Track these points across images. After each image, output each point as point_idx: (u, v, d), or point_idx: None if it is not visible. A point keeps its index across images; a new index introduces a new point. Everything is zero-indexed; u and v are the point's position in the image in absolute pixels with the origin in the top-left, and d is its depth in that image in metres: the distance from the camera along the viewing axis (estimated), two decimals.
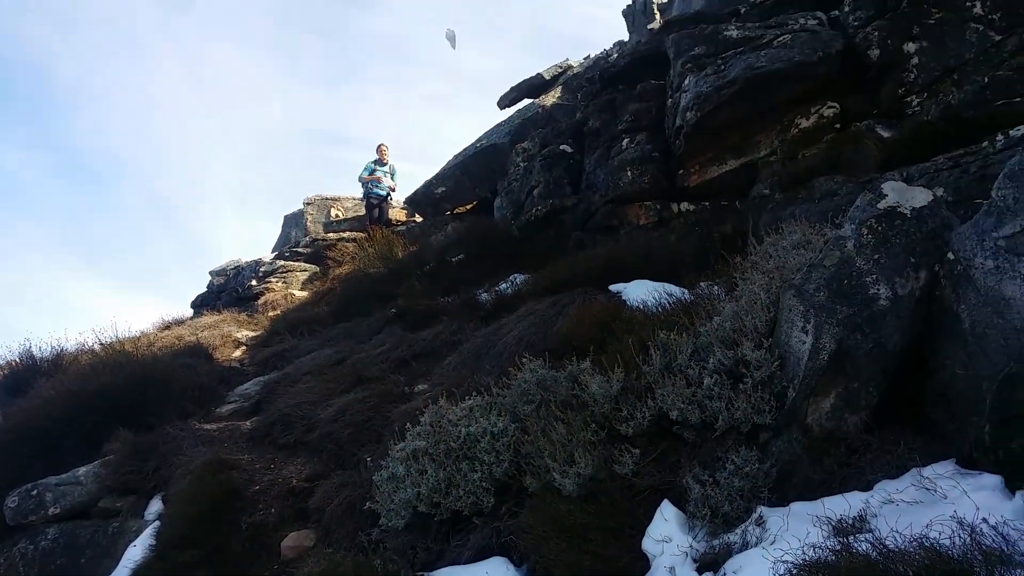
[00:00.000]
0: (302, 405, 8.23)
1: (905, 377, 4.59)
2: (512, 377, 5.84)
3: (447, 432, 5.55)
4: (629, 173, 10.48)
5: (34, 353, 12.46)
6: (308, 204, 23.40)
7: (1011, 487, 3.58)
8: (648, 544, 4.27)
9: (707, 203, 10.01)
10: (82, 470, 7.75)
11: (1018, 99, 7.06)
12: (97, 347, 12.64)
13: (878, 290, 4.44)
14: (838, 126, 8.82)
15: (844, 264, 4.58)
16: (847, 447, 4.44)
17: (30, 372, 11.71)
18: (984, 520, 3.04)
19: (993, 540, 2.89)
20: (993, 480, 3.65)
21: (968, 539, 2.80)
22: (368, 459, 6.46)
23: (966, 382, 4.23)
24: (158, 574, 5.95)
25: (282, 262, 18.88)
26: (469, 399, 5.81)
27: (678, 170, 10.18)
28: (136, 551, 6.37)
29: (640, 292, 7.35)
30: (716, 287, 6.28)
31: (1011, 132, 6.16)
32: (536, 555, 4.52)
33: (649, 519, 4.42)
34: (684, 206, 10.21)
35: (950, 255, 4.40)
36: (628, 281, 8.12)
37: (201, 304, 19.68)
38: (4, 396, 11.27)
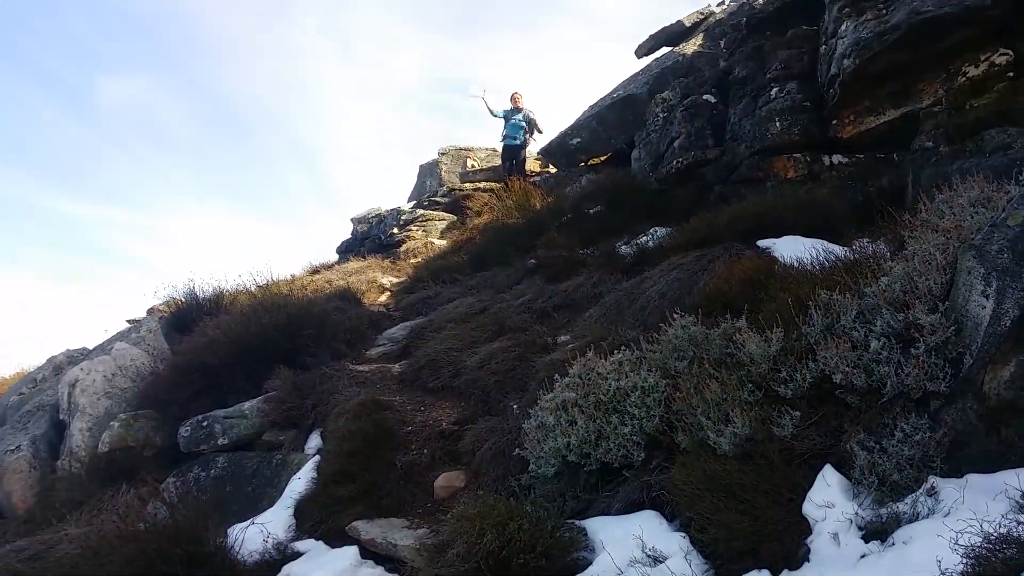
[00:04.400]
0: (448, 351, 8.46)
1: None
2: (660, 332, 5.78)
3: (596, 385, 5.57)
4: (778, 123, 10.08)
5: (197, 293, 13.25)
6: (443, 154, 23.74)
7: None
8: (809, 508, 4.18)
9: (861, 156, 9.53)
10: (247, 404, 8.26)
11: None
12: (254, 288, 13.32)
13: None
14: (1011, 75, 8.15)
15: None
16: None
17: (194, 311, 12.44)
18: None
19: None
20: None
21: None
22: (515, 406, 6.58)
23: None
24: (319, 506, 6.30)
25: (421, 211, 19.29)
26: (618, 353, 5.80)
27: (831, 120, 9.71)
28: (299, 483, 6.76)
29: (792, 248, 7.10)
30: (880, 245, 5.98)
31: None
32: (690, 512, 4.51)
33: (809, 484, 4.32)
34: (836, 159, 9.75)
35: None
36: (778, 237, 7.83)
37: (346, 250, 20.43)
38: (172, 333, 12.08)
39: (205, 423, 8.11)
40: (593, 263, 10.04)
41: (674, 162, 11.72)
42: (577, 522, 5.04)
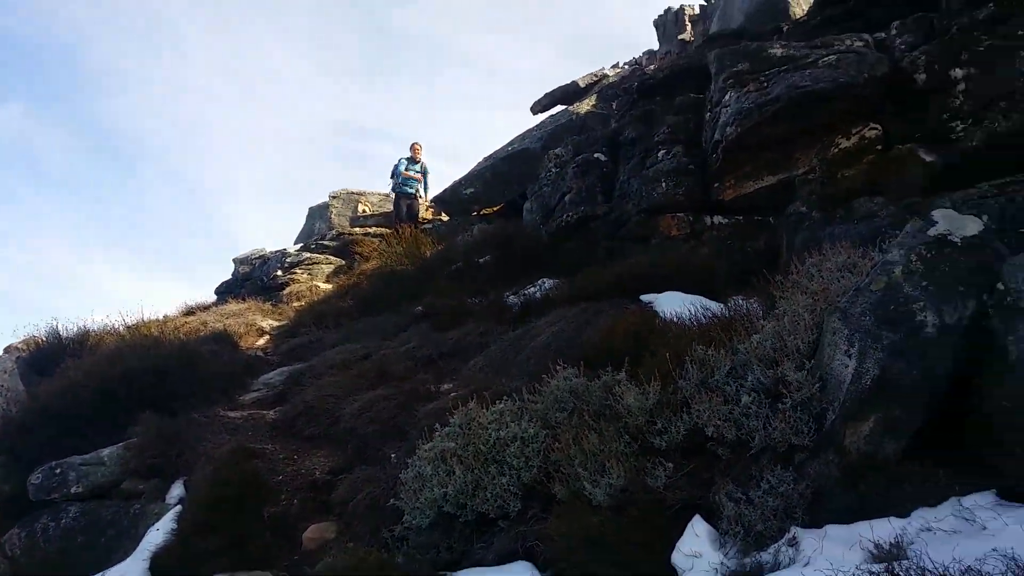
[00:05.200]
0: (327, 398, 8.24)
1: (948, 406, 4.54)
2: (543, 383, 5.81)
3: (477, 435, 5.53)
4: (664, 184, 10.43)
5: (60, 332, 12.52)
6: (334, 197, 23.49)
7: None
8: (678, 559, 4.23)
9: (741, 218, 9.93)
10: (106, 451, 7.79)
11: None
12: (122, 329, 12.70)
13: (925, 317, 4.38)
14: (880, 148, 8.72)
15: (891, 290, 4.52)
16: (885, 473, 4.38)
17: (56, 351, 11.76)
18: None
19: None
20: None
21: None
22: (393, 456, 6.46)
23: (1012, 414, 4.17)
24: (178, 559, 5.95)
25: (308, 254, 18.92)
26: (500, 403, 5.79)
27: (713, 183, 10.12)
28: (157, 535, 6.38)
29: (673, 304, 7.30)
30: (754, 304, 6.21)
31: None
32: (564, 563, 4.49)
33: (679, 534, 4.38)
34: (717, 219, 10.13)
35: (1000, 285, 4.35)
36: (660, 292, 8.06)
37: (226, 291, 19.76)
38: (30, 374, 11.35)
39: (58, 470, 7.59)
40: (481, 312, 10.05)
41: (564, 216, 11.94)
42: (449, 574, 4.94)
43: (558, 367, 5.74)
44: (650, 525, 4.50)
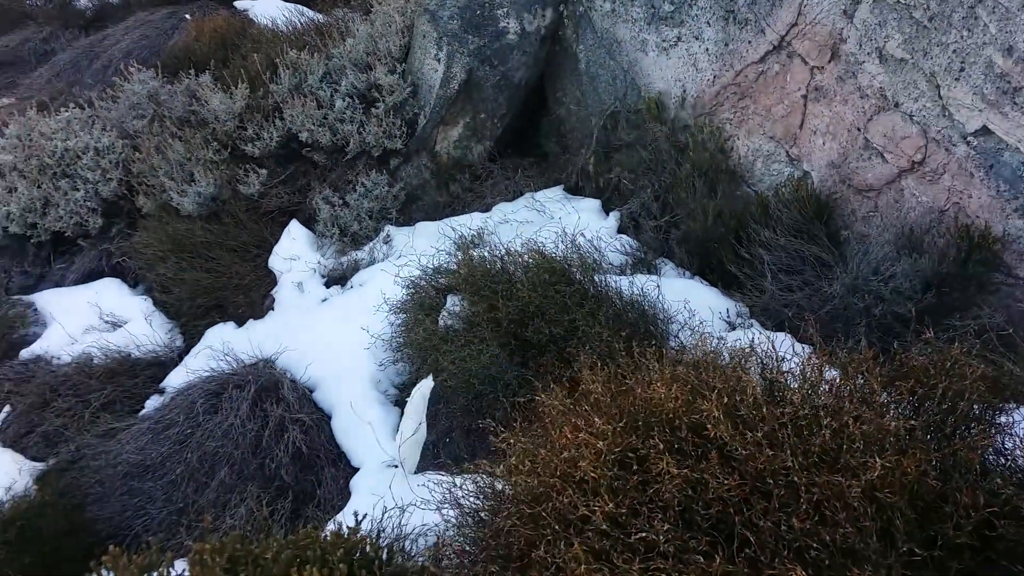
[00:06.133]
0: None
1: (527, 112, 4.92)
2: (118, 91, 5.20)
3: (40, 146, 4.86)
4: None
5: None
6: None
7: (606, 209, 4.13)
8: (276, 262, 4.27)
9: None
10: None
11: None
12: None
13: (508, 24, 4.56)
14: None
15: None
16: (471, 174, 4.73)
17: None
18: (582, 233, 3.45)
19: (588, 249, 3.31)
20: (593, 203, 4.16)
21: (569, 245, 3.15)
22: None
23: (578, 118, 4.65)
24: None
25: None
26: (67, 111, 5.10)
27: None
28: None
29: (269, 10, 6.80)
30: (351, 12, 6.00)
31: None
32: (153, 275, 4.30)
33: (277, 238, 4.39)
34: None
35: None
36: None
37: None
38: None
39: None
40: (46, 16, 8.54)
41: None
42: (25, 297, 4.50)
43: (133, 70, 5.14)
44: (246, 232, 4.44)
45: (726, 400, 1.33)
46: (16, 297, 4.53)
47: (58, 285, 4.65)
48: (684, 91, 4.00)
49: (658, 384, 1.45)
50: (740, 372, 1.48)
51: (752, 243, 3.31)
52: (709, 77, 3.87)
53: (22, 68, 7.51)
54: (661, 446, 1.30)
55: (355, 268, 4.24)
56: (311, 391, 3.33)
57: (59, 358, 3.86)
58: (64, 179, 4.70)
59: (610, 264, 3.48)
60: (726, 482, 1.22)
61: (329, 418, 3.18)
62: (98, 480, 3.08)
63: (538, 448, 1.46)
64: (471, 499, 1.61)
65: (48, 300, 4.44)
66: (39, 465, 3.31)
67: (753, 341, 1.65)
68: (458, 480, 1.72)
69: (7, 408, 3.66)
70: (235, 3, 7.43)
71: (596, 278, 2.95)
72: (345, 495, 2.77)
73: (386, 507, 1.89)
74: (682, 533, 1.21)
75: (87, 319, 4.09)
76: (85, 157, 4.69)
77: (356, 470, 2.88)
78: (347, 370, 3.31)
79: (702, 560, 1.17)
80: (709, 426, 1.31)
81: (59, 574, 2.78)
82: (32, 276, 4.80)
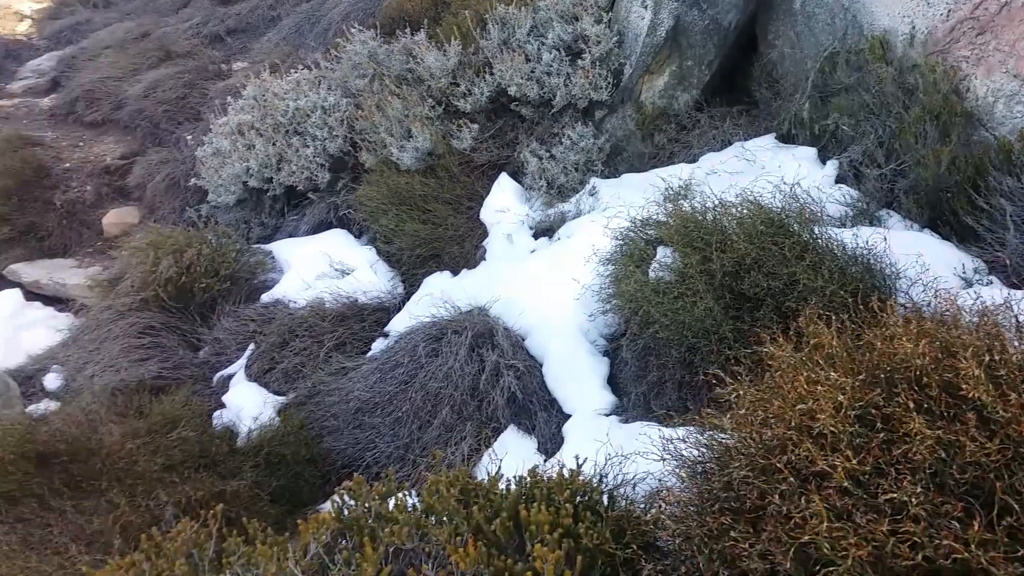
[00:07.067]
0: (106, 80, 7.52)
1: (737, 58, 4.75)
2: (340, 52, 5.52)
3: (274, 106, 5.27)
4: None
5: None
6: None
7: (823, 158, 3.92)
8: (486, 214, 4.41)
9: None
10: None
11: None
12: None
13: None
14: None
15: None
16: (677, 124, 4.64)
17: None
18: (798, 184, 3.32)
19: (806, 200, 3.18)
20: (809, 152, 3.96)
21: (787, 196, 3.05)
22: (188, 136, 6.11)
23: (792, 61, 4.43)
24: None
25: None
26: (296, 72, 5.48)
27: None
28: None
29: None
30: None
31: None
32: (376, 226, 4.58)
33: (487, 192, 4.54)
34: None
35: None
36: None
37: None
38: None
39: None
40: None
41: None
42: (264, 246, 4.94)
43: (353, 31, 5.42)
44: (459, 185, 4.62)
45: (985, 359, 1.26)
46: (256, 245, 4.98)
47: (291, 235, 5.07)
48: (913, 28, 3.71)
49: (902, 339, 1.39)
50: (995, 329, 1.38)
51: (992, 192, 3.05)
52: (943, 11, 3.56)
53: (252, 34, 8.13)
54: (911, 404, 1.25)
55: (562, 220, 4.30)
56: (523, 339, 3.44)
57: (295, 302, 4.22)
58: (295, 136, 5.09)
59: (829, 216, 3.33)
60: (987, 446, 1.16)
61: (540, 365, 3.28)
62: (332, 415, 3.37)
63: (771, 399, 1.45)
64: (695, 450, 1.63)
65: (283, 248, 4.85)
66: (280, 399, 3.66)
67: (1009, 297, 1.53)
68: (679, 431, 1.74)
69: (252, 346, 4.06)
70: None
71: (816, 230, 2.84)
72: (558, 440, 2.88)
73: (608, 455, 1.95)
74: (934, 496, 1.17)
75: (318, 267, 4.43)
76: (314, 116, 5.04)
77: (567, 416, 2.97)
78: (557, 319, 3.40)
79: (957, 526, 1.14)
80: (965, 386, 1.25)
81: (300, 498, 3.10)
82: (268, 227, 5.26)
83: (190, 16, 8.91)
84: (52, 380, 4.15)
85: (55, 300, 5.14)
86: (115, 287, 4.47)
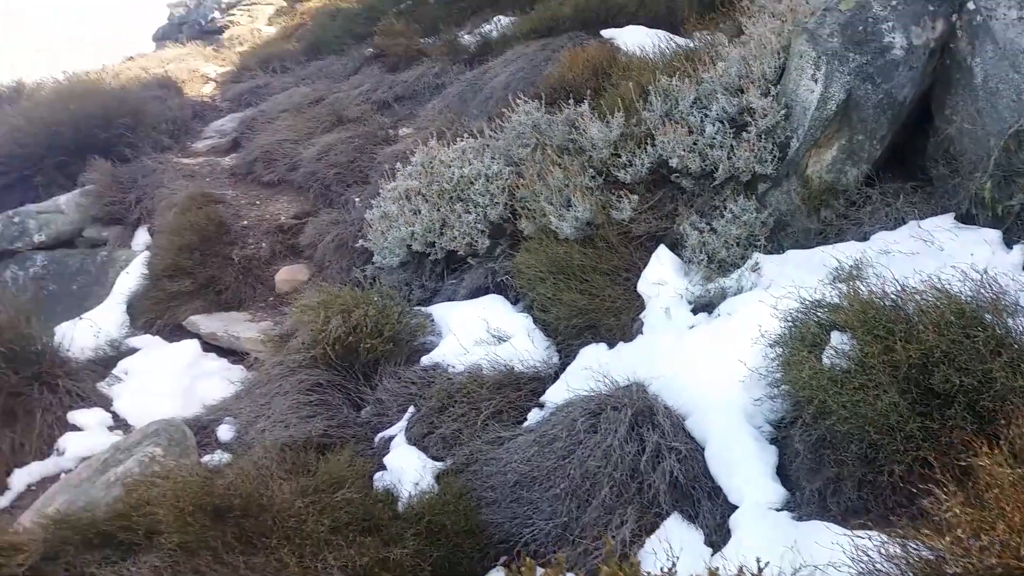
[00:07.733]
0: (283, 143, 8.06)
1: (910, 132, 4.57)
2: (504, 121, 5.70)
3: (439, 173, 5.48)
4: None
5: None
6: None
7: (1008, 241, 3.70)
8: (644, 287, 4.39)
9: None
10: (63, 198, 7.67)
11: None
12: (60, 78, 11.96)
13: (893, 39, 4.30)
14: None
15: (860, 9, 4.39)
16: (846, 199, 4.49)
17: None
18: (985, 269, 3.13)
19: (995, 287, 3.00)
20: (992, 235, 3.74)
21: (978, 283, 2.88)
22: (357, 198, 6.44)
23: (972, 138, 4.22)
24: (153, 302, 6.07)
25: None
26: (462, 140, 5.70)
27: None
28: (129, 279, 6.46)
29: (636, 38, 7.03)
30: (719, 35, 6.00)
31: None
32: (533, 294, 4.64)
33: (645, 263, 4.52)
34: None
35: (971, 4, 4.22)
36: (621, 27, 7.75)
37: (163, 37, 18.60)
38: None
39: (16, 218, 7.48)
40: (435, 53, 9.62)
41: None
42: (423, 308, 5.10)
43: (518, 102, 5.59)
44: (617, 256, 4.63)
45: None
46: (417, 308, 5.15)
47: (450, 298, 5.21)
48: None
49: None
50: None
51: None
52: None
53: (418, 100, 8.53)
54: None
55: (722, 295, 4.23)
56: (683, 419, 3.38)
57: (454, 367, 4.31)
58: (459, 203, 5.26)
59: (1019, 306, 3.13)
60: None
61: (702, 449, 3.21)
62: (489, 485, 3.39)
63: (995, 521, 1.35)
64: (894, 566, 1.54)
65: (442, 312, 4.99)
66: (439, 464, 3.72)
67: None
68: (878, 539, 1.65)
69: (412, 408, 4.17)
70: (602, 32, 7.78)
71: (1010, 322, 2.67)
72: (723, 531, 2.78)
73: (796, 565, 1.87)
74: None
75: (476, 332, 4.52)
76: (477, 183, 5.21)
77: (733, 507, 2.87)
78: (720, 401, 3.31)
79: None
80: None
81: (458, 570, 3.11)
82: (428, 289, 5.44)
83: (360, 83, 9.46)
84: (225, 432, 4.39)
85: (229, 352, 5.48)
86: (286, 343, 4.73)
